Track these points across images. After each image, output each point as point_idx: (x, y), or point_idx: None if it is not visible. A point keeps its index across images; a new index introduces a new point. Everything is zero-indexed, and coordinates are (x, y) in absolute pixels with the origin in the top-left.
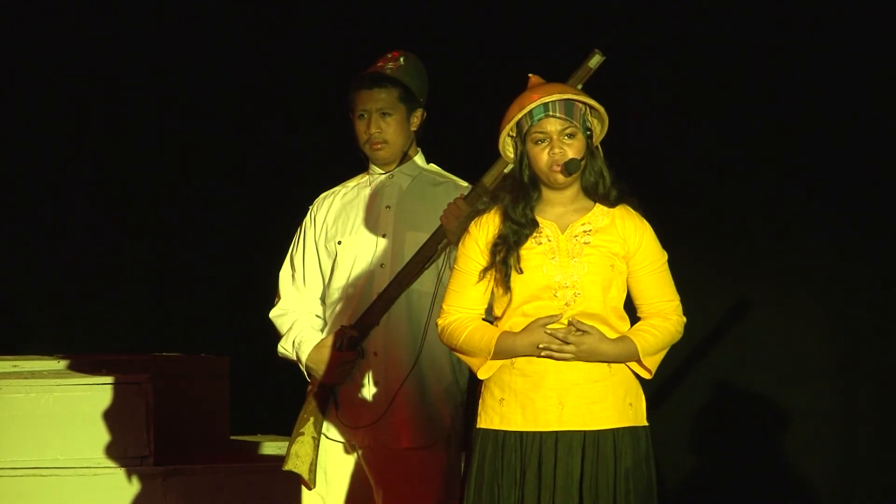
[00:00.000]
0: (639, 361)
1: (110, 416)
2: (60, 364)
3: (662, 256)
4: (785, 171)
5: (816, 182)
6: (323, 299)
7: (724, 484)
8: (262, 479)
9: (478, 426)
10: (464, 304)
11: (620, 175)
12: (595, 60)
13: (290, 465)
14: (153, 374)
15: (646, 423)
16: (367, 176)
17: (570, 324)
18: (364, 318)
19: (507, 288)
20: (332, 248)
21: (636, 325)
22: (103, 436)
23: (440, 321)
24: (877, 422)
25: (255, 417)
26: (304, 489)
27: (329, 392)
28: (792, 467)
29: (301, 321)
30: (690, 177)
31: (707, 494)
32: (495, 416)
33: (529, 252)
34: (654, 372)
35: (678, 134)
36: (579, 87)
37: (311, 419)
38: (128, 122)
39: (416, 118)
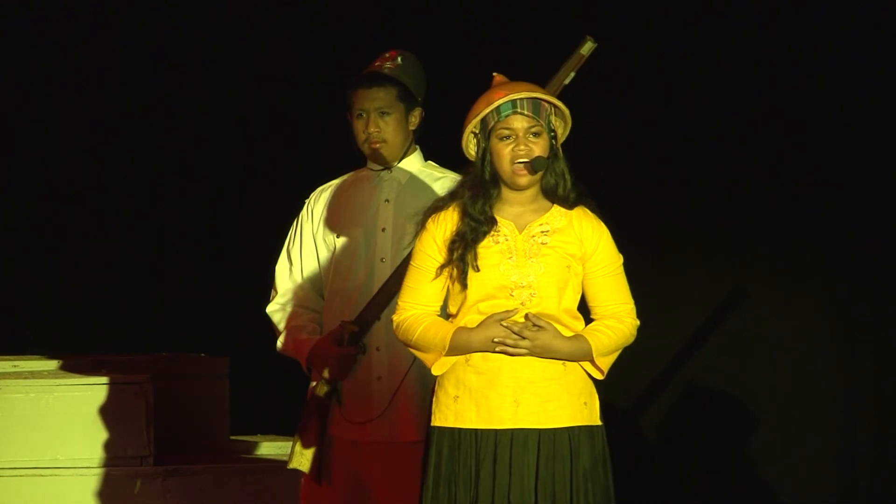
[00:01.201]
0: (592, 361)
1: (110, 416)
2: (60, 364)
3: (618, 259)
4: (783, 171)
5: (814, 181)
6: (321, 293)
7: (720, 484)
8: (262, 479)
9: (432, 424)
10: (419, 300)
11: (610, 175)
12: (587, 47)
13: (294, 463)
14: (153, 374)
15: (600, 423)
16: (366, 171)
17: (526, 318)
18: (365, 312)
19: (464, 285)
20: (331, 242)
21: (591, 324)
22: (103, 436)
23: (395, 317)
24: (876, 423)
25: (255, 417)
26: (304, 488)
27: (331, 388)
28: (790, 467)
29: (300, 316)
30: (688, 176)
31: (706, 495)
32: (450, 413)
33: (486, 251)
34: (606, 372)
35: (675, 133)
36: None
37: (314, 416)
38: (126, 121)
39: (415, 117)
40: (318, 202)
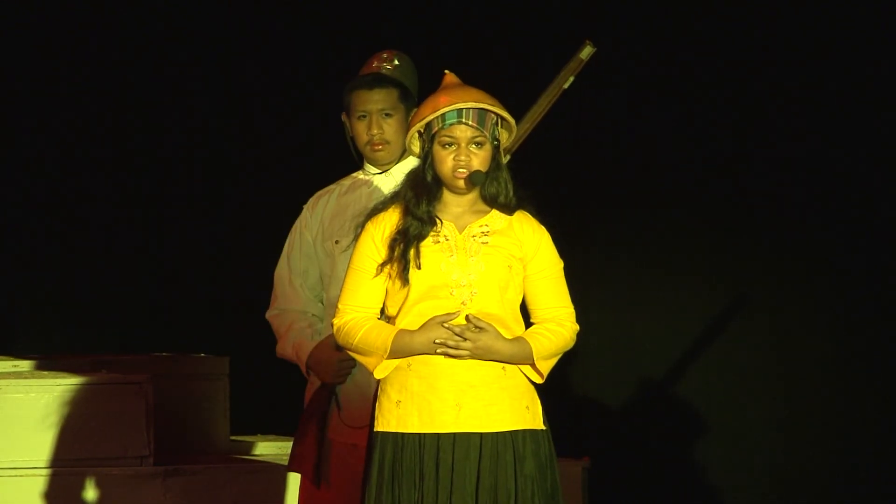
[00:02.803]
0: (532, 364)
1: (110, 416)
2: (60, 364)
3: (559, 263)
4: (781, 172)
5: (812, 184)
6: (320, 299)
7: (719, 486)
8: (262, 479)
9: (375, 429)
10: (359, 302)
11: (609, 177)
12: (586, 52)
13: (293, 467)
14: (153, 374)
15: (545, 427)
16: (363, 174)
17: (467, 319)
18: None
19: (405, 283)
20: (330, 247)
21: (531, 328)
22: (103, 436)
23: (335, 321)
24: (875, 424)
25: (255, 417)
26: (303, 490)
27: (330, 392)
28: (789, 466)
29: (299, 321)
30: (686, 176)
31: (703, 495)
32: (392, 418)
33: (427, 249)
34: (545, 376)
35: (673, 133)
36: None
37: (313, 419)
38: (126, 121)
39: None
40: (316, 207)
